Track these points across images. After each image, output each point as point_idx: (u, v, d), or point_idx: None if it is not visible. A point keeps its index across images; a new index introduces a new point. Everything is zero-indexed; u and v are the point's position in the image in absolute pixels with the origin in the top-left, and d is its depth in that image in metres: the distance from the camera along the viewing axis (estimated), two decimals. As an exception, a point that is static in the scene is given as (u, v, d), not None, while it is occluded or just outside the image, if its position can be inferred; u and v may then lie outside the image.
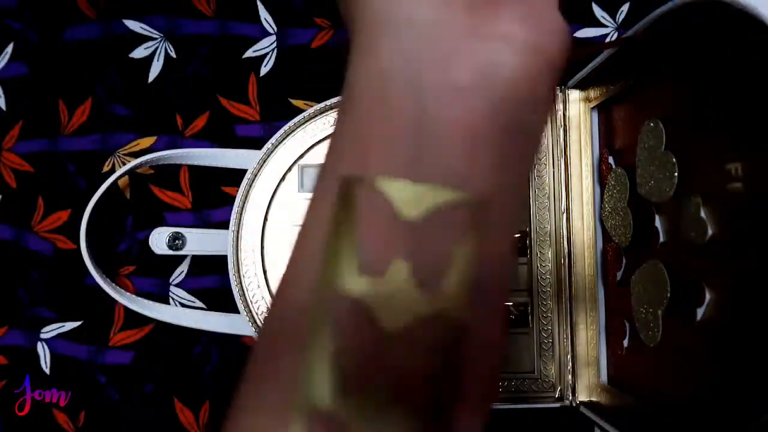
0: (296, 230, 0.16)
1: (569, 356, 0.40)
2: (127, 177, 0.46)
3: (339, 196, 0.14)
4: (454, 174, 0.14)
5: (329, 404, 0.13)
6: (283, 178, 0.41)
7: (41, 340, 0.45)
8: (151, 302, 0.42)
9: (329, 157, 0.16)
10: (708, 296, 0.28)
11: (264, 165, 0.41)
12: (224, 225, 0.42)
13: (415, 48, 0.15)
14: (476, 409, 0.15)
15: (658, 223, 0.33)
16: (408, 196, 0.13)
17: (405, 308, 0.13)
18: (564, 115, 0.41)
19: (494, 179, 0.14)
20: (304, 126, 0.41)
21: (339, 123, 0.16)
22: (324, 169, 0.16)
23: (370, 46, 0.15)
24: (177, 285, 0.46)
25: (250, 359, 0.15)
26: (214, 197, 0.46)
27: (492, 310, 0.15)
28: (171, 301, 0.46)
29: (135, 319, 0.45)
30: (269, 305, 0.16)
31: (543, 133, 0.16)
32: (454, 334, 0.13)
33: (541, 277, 0.41)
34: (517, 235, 0.41)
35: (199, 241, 0.43)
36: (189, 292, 0.46)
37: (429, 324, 0.13)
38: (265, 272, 0.41)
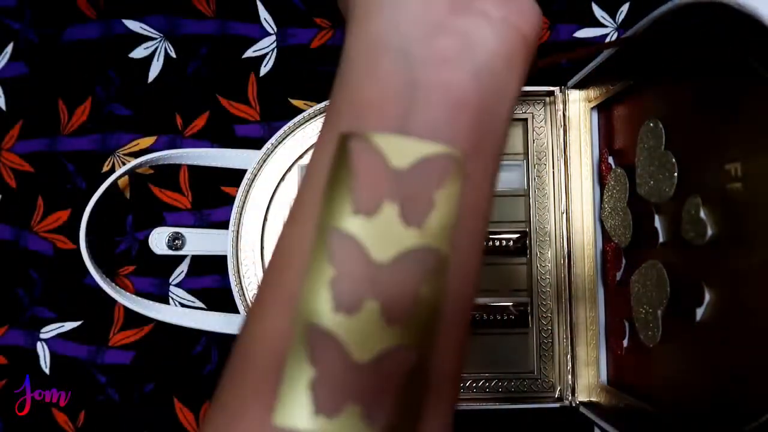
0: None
1: (569, 356, 0.40)
2: (127, 177, 0.46)
3: (337, 149, 0.16)
4: (438, 131, 0.16)
5: (327, 321, 0.15)
6: (283, 178, 0.41)
7: (41, 340, 0.45)
8: (151, 302, 0.42)
9: (328, 115, 0.18)
10: (708, 296, 0.28)
11: (264, 165, 0.41)
12: (224, 225, 0.42)
13: (405, 21, 0.17)
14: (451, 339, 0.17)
15: (657, 223, 0.33)
16: (397, 148, 0.16)
17: (393, 242, 0.15)
18: (564, 115, 0.41)
19: (472, 138, 0.17)
20: (304, 126, 0.41)
21: (337, 85, 0.18)
22: (324, 126, 0.18)
23: (366, 18, 0.18)
24: (177, 285, 0.46)
25: (265, 274, 0.18)
26: (214, 197, 0.46)
27: (471, 246, 0.17)
28: (171, 301, 0.46)
29: (135, 319, 0.45)
30: (279, 238, 0.18)
31: (514, 105, 0.18)
32: (437, 265, 0.15)
33: (541, 277, 0.41)
34: (516, 236, 0.41)
35: (199, 241, 0.43)
36: (189, 292, 0.46)
37: (415, 255, 0.15)
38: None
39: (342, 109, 0.17)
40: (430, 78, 0.16)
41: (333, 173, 0.16)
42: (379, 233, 0.15)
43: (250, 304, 0.40)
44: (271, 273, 0.17)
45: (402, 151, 0.16)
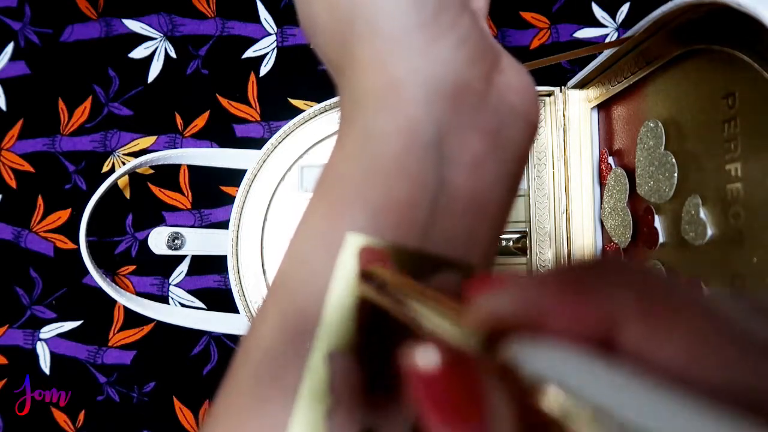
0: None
1: (569, 356, 0.40)
2: (127, 177, 0.46)
3: (349, 260, 0.15)
4: (455, 244, 0.16)
5: None
6: (283, 178, 0.41)
7: (41, 340, 0.45)
8: (151, 302, 0.42)
9: (339, 195, 0.16)
10: (708, 296, 0.28)
11: (264, 165, 0.41)
12: (224, 225, 0.42)
13: (442, 109, 0.15)
14: None
15: (657, 223, 0.33)
16: (410, 262, 0.15)
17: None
18: (564, 115, 0.41)
19: (484, 249, 0.16)
20: (303, 126, 0.41)
21: (353, 167, 0.16)
22: (332, 209, 0.16)
23: (395, 96, 0.15)
24: (177, 285, 0.46)
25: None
26: (214, 197, 0.46)
27: None
28: (171, 301, 0.46)
29: (135, 319, 0.45)
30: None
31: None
32: None
33: (541, 277, 0.41)
34: (516, 236, 0.41)
35: (199, 241, 0.43)
36: (189, 292, 0.46)
37: None
38: (264, 272, 0.41)
39: (357, 202, 0.15)
40: (459, 184, 0.15)
41: (344, 281, 0.15)
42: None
43: (250, 304, 0.40)
44: (278, 279, 0.16)
45: (416, 263, 0.15)
